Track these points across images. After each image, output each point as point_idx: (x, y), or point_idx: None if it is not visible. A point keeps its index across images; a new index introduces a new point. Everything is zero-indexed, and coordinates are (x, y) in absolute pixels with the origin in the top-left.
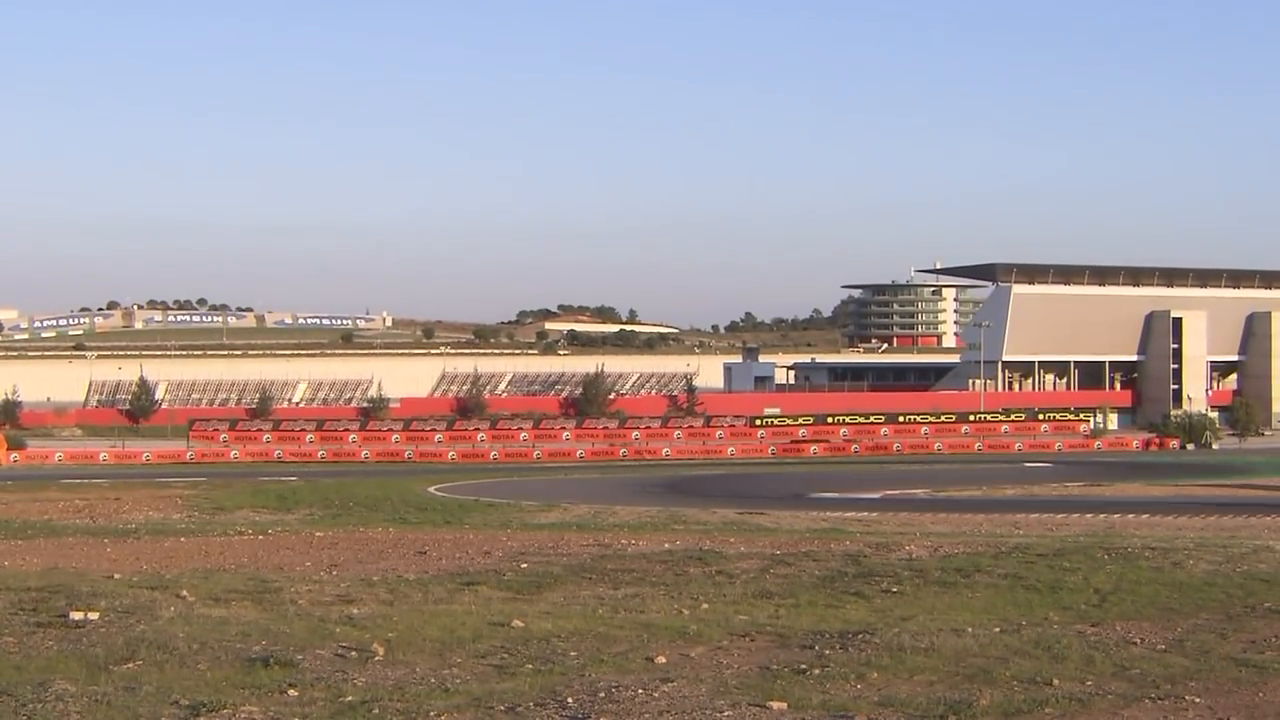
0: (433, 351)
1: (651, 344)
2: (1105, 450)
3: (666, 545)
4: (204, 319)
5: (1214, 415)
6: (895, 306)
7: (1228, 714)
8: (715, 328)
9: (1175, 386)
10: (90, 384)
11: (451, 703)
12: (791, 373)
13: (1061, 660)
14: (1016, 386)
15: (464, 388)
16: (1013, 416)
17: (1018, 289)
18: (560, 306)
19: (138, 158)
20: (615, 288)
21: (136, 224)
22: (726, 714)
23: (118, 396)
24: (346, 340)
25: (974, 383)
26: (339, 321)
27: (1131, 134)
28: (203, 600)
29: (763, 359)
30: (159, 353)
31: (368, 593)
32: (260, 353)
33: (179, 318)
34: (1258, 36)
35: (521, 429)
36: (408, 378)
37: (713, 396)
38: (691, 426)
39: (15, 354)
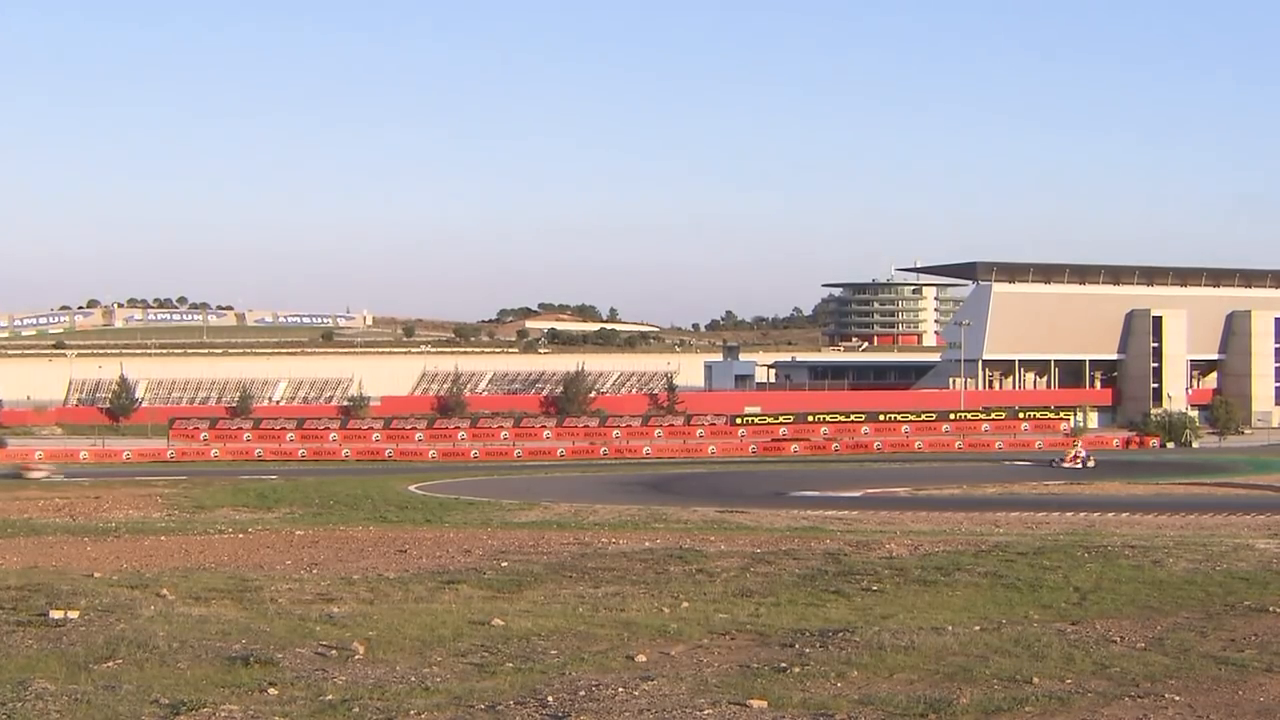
0: (413, 350)
1: (632, 343)
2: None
3: (647, 544)
4: (184, 317)
5: (1194, 414)
6: (876, 305)
7: (1207, 712)
8: (696, 326)
9: (1155, 385)
10: (70, 382)
11: (432, 701)
12: (772, 371)
13: (1041, 658)
14: (997, 385)
15: (444, 386)
16: (993, 415)
17: (998, 288)
18: (541, 305)
19: (118, 156)
20: (596, 286)
21: (117, 222)
22: (707, 712)
23: (98, 395)
24: (327, 339)
25: (954, 381)
26: (319, 320)
27: (1112, 133)
28: (183, 599)
29: (743, 358)
30: (139, 351)
31: (348, 591)
32: (240, 351)
33: (159, 316)
34: (1244, 35)
35: (502, 427)
36: (388, 376)
37: (693, 395)
38: (672, 425)
39: None
